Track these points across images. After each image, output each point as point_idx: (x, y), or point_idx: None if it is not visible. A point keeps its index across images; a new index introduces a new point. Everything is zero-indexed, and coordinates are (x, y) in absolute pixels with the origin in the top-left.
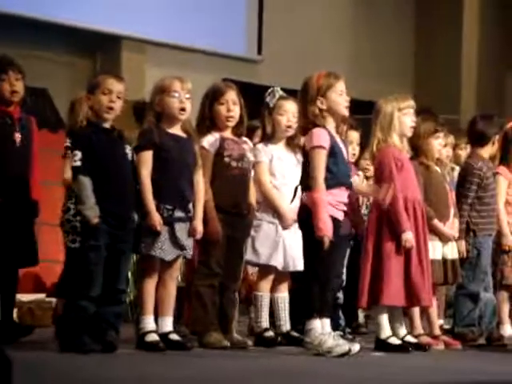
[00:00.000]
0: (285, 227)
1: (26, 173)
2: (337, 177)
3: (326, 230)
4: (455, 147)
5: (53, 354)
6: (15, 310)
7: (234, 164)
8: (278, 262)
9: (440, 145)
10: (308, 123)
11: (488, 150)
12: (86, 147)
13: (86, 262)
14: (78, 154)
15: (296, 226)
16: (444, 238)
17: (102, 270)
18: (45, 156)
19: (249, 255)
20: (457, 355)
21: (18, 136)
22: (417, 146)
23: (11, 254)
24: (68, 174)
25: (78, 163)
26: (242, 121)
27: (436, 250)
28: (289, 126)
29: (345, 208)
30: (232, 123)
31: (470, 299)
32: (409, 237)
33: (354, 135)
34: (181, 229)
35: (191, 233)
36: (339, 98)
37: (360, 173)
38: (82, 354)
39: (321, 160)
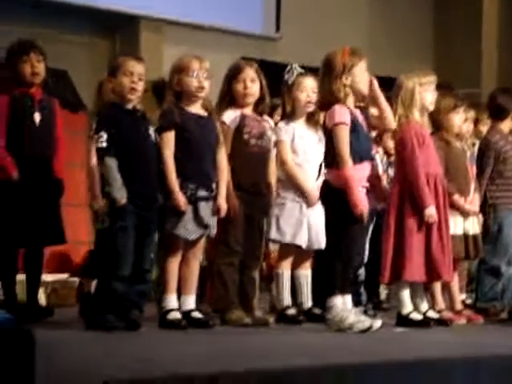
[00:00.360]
0: (309, 205)
1: (47, 152)
2: (359, 153)
3: (362, 204)
4: (477, 122)
5: (76, 332)
6: (40, 290)
7: (253, 141)
8: (302, 241)
9: (460, 120)
10: (329, 99)
11: (508, 124)
12: (112, 128)
13: (115, 242)
14: (104, 136)
15: (320, 203)
16: (464, 213)
17: (132, 250)
18: (65, 137)
19: (273, 234)
20: (479, 330)
21: (37, 116)
22: (437, 122)
23: (36, 233)
24: (94, 159)
25: (104, 144)
26: (262, 98)
27: (457, 225)
28: (309, 102)
29: (367, 184)
30: (250, 100)
31: (491, 274)
32: (432, 212)
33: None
34: (204, 208)
35: (216, 211)
36: (363, 75)
37: (380, 149)
38: (106, 331)
39: (344, 136)
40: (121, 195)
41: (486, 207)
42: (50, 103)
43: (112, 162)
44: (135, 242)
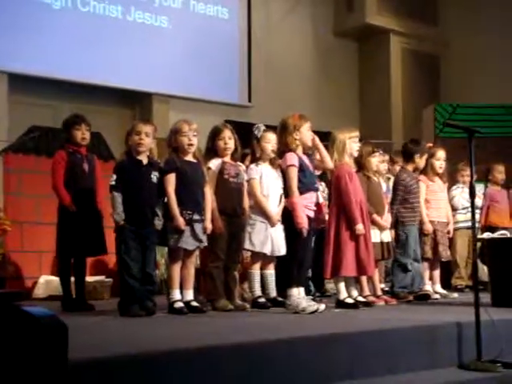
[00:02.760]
0: (272, 225)
1: (92, 191)
2: (306, 185)
3: (304, 223)
4: (394, 163)
5: (108, 319)
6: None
7: (231, 180)
8: (267, 250)
9: (377, 161)
10: (284, 149)
11: (413, 165)
12: (121, 172)
13: (120, 252)
14: (114, 177)
15: (279, 223)
16: (380, 228)
17: (135, 256)
18: (101, 179)
19: (247, 245)
20: (393, 309)
21: (85, 166)
22: (360, 163)
23: (84, 247)
24: None
25: (113, 183)
26: (236, 150)
27: (376, 236)
28: (272, 150)
29: (315, 208)
30: (228, 152)
31: (401, 268)
32: (361, 227)
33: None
34: (198, 227)
35: (203, 230)
36: (307, 132)
37: (322, 183)
38: (132, 317)
39: (294, 174)
40: (120, 218)
41: (397, 224)
42: (92, 157)
43: (117, 195)
44: (140, 252)
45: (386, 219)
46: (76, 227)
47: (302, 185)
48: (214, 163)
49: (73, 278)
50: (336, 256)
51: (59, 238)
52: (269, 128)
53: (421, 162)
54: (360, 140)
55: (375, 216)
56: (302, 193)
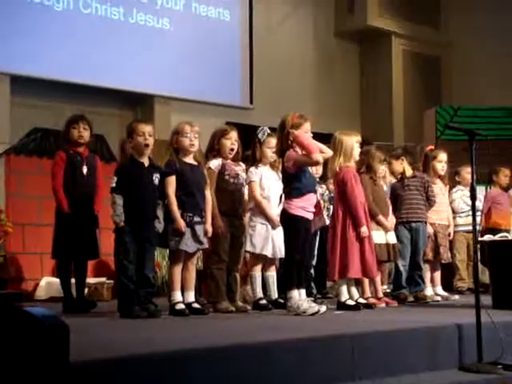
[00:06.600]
0: (273, 227)
1: (90, 195)
2: (306, 186)
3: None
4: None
5: (109, 320)
6: (86, 289)
7: (231, 180)
8: (268, 252)
9: (383, 169)
10: (284, 149)
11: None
12: (122, 175)
13: (118, 252)
14: (115, 179)
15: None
16: (385, 228)
17: (133, 258)
18: (102, 180)
19: (248, 247)
20: (394, 311)
21: (84, 169)
22: (370, 166)
23: (80, 251)
24: None
25: (114, 185)
26: (238, 152)
27: (381, 237)
28: (271, 156)
29: (314, 210)
30: (233, 153)
31: (397, 271)
32: (366, 229)
33: None
34: (199, 229)
35: (204, 232)
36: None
37: (323, 186)
38: (133, 318)
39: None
40: (119, 219)
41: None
42: (93, 159)
43: (117, 198)
44: (137, 254)
45: (391, 220)
46: (71, 231)
47: (303, 185)
48: (214, 163)
49: (73, 280)
50: (342, 258)
51: (55, 239)
52: (271, 130)
53: (393, 166)
54: (361, 145)
55: (380, 217)
56: (302, 194)
